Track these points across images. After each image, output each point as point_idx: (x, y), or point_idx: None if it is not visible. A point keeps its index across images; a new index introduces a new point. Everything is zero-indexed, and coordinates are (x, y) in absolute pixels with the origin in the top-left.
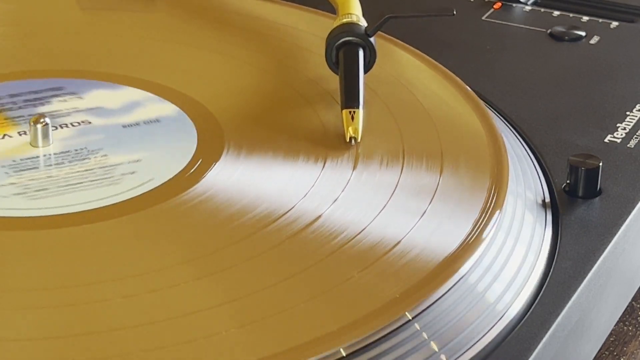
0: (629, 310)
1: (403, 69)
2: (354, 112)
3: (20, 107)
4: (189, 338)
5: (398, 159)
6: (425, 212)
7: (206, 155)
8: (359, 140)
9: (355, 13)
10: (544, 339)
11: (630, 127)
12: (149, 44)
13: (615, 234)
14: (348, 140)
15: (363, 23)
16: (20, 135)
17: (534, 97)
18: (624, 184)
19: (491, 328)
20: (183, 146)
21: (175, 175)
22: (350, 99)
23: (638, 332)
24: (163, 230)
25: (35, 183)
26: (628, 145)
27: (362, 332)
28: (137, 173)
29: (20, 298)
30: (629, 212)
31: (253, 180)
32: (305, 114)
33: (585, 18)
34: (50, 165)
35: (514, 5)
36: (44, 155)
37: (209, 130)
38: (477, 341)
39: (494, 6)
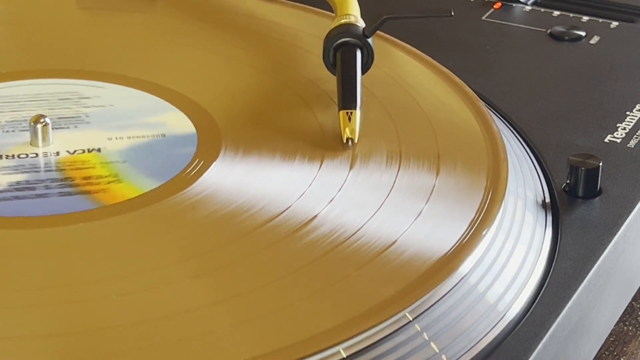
0: (629, 310)
1: (400, 69)
2: (351, 113)
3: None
4: (186, 336)
5: (395, 160)
6: (421, 211)
7: (203, 155)
8: (356, 141)
9: (353, 14)
10: (544, 339)
11: (630, 127)
12: (148, 44)
13: (615, 234)
14: (345, 141)
15: (361, 24)
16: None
17: (534, 97)
18: (624, 184)
19: (492, 328)
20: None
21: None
22: (347, 100)
23: (638, 332)
24: (160, 229)
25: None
26: (628, 145)
27: (358, 330)
28: None
29: (17, 296)
30: (629, 212)
31: (250, 180)
32: (302, 115)
33: (585, 18)
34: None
35: (514, 5)
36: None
37: (207, 130)
38: (477, 342)
39: (494, 6)
